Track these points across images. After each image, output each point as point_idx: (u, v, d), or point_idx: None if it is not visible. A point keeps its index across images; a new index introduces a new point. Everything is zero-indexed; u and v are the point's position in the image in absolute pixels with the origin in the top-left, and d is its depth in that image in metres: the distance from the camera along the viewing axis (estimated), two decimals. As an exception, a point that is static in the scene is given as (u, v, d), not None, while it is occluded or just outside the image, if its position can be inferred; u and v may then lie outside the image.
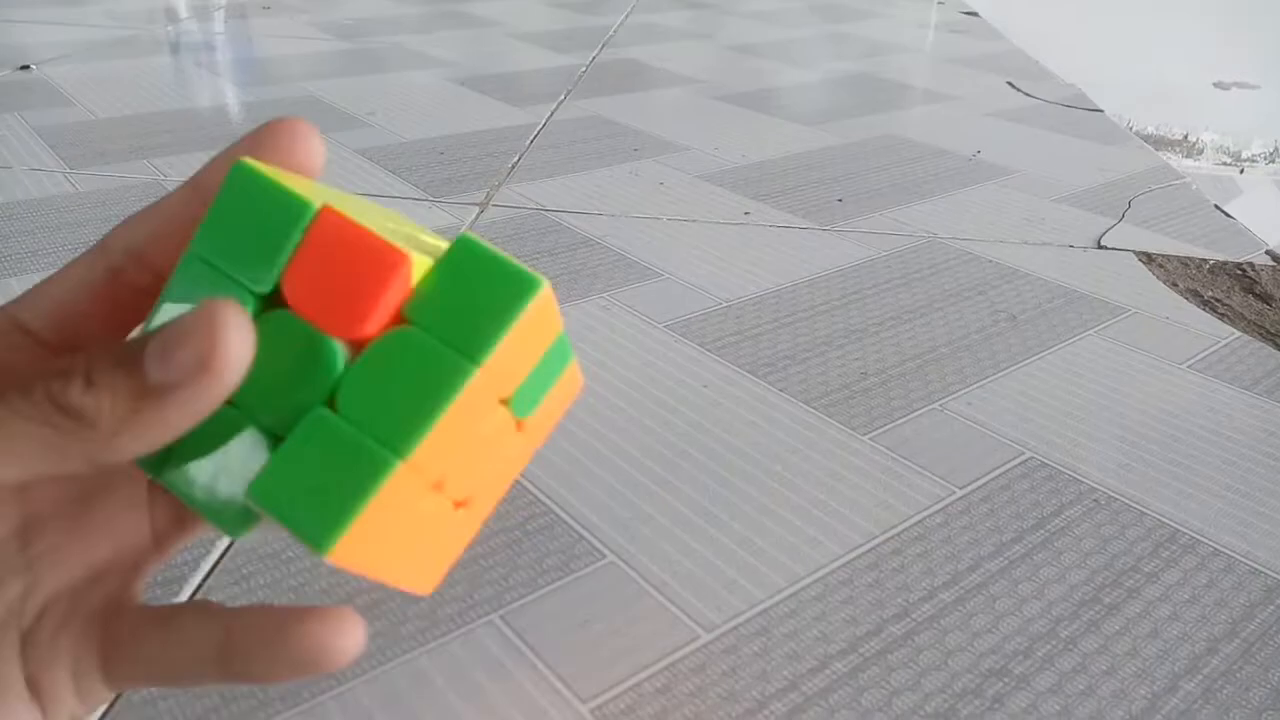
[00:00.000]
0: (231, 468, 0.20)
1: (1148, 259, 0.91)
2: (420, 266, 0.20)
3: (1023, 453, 0.61)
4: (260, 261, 0.20)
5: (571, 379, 0.25)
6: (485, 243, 0.20)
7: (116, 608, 0.23)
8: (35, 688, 0.21)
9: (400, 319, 0.20)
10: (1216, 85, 1.69)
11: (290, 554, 0.50)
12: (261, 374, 0.20)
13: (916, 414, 0.65)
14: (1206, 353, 0.74)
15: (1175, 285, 0.86)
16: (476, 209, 0.98)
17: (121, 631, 0.22)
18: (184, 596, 0.48)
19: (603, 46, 1.74)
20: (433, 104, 1.36)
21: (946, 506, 0.56)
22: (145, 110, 1.27)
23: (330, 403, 0.20)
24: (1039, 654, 0.46)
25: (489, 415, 0.22)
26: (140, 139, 1.15)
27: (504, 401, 0.22)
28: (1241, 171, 1.24)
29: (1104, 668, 0.45)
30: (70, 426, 0.18)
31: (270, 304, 0.20)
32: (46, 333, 0.24)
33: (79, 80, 1.40)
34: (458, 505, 0.23)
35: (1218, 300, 0.83)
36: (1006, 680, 0.45)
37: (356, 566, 0.20)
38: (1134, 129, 1.37)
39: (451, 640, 0.46)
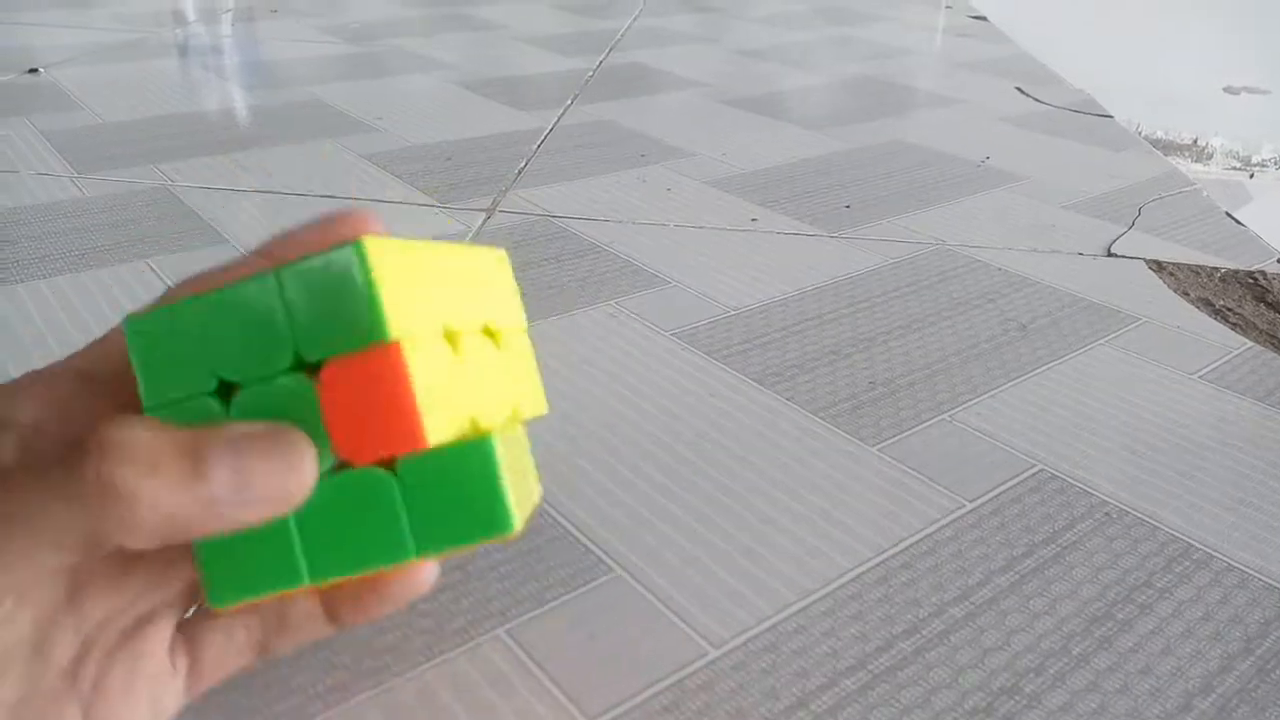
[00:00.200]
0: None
1: (1158, 267, 0.91)
2: (437, 433, 0.20)
3: (1033, 465, 0.61)
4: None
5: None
6: (500, 460, 0.21)
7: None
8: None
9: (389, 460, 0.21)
10: (1226, 90, 1.68)
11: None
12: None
13: (925, 425, 0.64)
14: (1219, 363, 0.74)
15: (1186, 294, 0.85)
16: (484, 215, 0.98)
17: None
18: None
19: (609, 50, 1.74)
20: (438, 108, 1.36)
21: (956, 520, 0.56)
22: (153, 114, 1.27)
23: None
24: (1051, 671, 0.46)
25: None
26: (148, 143, 1.15)
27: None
28: (1251, 177, 1.23)
29: (1117, 686, 0.45)
30: (121, 512, 0.18)
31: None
32: (108, 381, 0.23)
33: (86, 84, 1.40)
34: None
35: (1229, 309, 0.83)
36: (1018, 699, 0.44)
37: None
38: (1143, 134, 1.36)
39: (458, 655, 0.45)
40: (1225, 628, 0.49)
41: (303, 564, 0.20)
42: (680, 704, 0.43)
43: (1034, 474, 0.60)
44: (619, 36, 1.87)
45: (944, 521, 0.55)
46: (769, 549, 0.53)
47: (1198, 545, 0.54)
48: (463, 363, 0.21)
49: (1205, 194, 1.11)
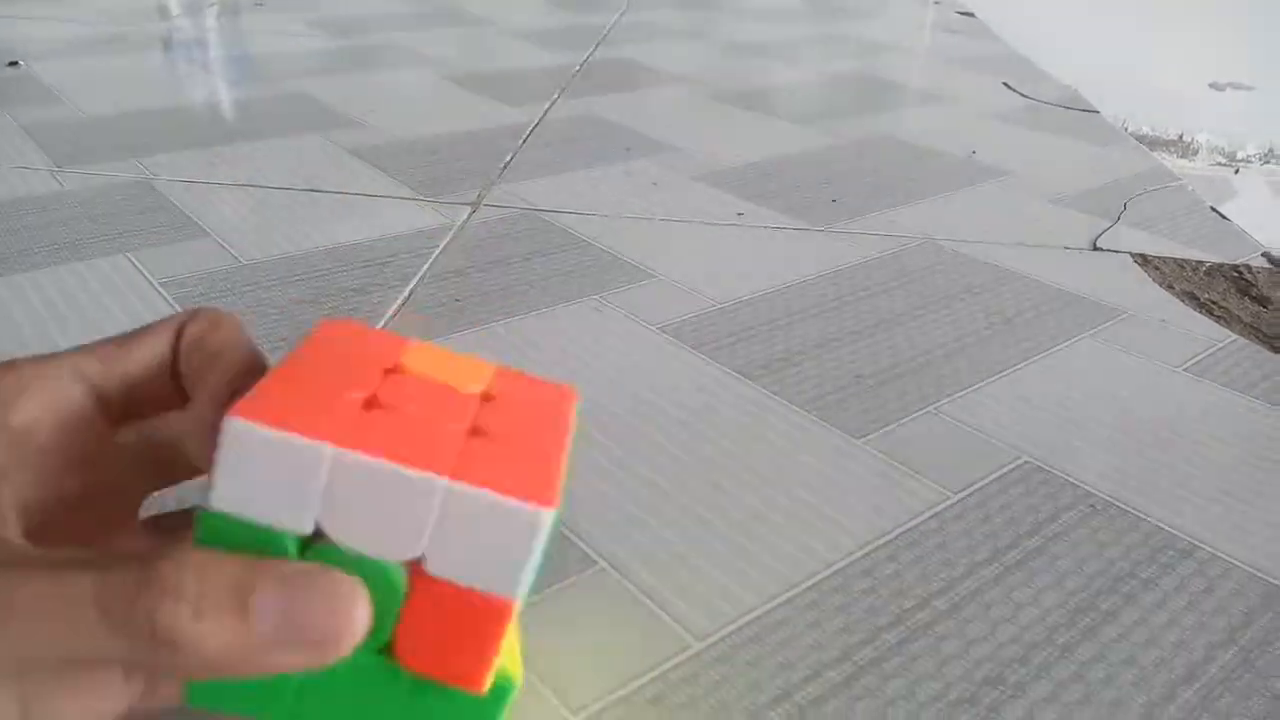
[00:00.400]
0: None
1: (1144, 261, 0.91)
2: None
3: (1018, 457, 0.61)
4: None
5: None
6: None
7: None
8: None
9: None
10: (1212, 86, 1.69)
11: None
12: None
13: (911, 418, 0.64)
14: (1203, 355, 0.74)
15: (1171, 288, 0.86)
16: (469, 209, 0.97)
17: None
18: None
19: (597, 45, 1.74)
20: (425, 102, 1.35)
21: (941, 511, 0.55)
22: (135, 108, 1.26)
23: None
24: (1035, 661, 0.46)
25: None
26: (129, 137, 1.14)
27: None
28: (1236, 172, 1.23)
29: (1101, 676, 0.45)
30: (167, 655, 0.17)
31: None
32: (113, 396, 0.22)
33: (68, 77, 1.39)
34: None
35: (1214, 303, 0.83)
36: (1002, 689, 0.44)
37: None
38: (1130, 130, 1.36)
39: (439, 649, 0.45)
40: (1209, 617, 0.49)
41: (288, 712, 0.20)
42: (665, 696, 0.43)
43: (1019, 466, 0.60)
44: (607, 31, 1.86)
45: (929, 513, 0.55)
46: (754, 541, 0.53)
47: (1182, 536, 0.54)
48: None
49: (1190, 189, 1.11)
